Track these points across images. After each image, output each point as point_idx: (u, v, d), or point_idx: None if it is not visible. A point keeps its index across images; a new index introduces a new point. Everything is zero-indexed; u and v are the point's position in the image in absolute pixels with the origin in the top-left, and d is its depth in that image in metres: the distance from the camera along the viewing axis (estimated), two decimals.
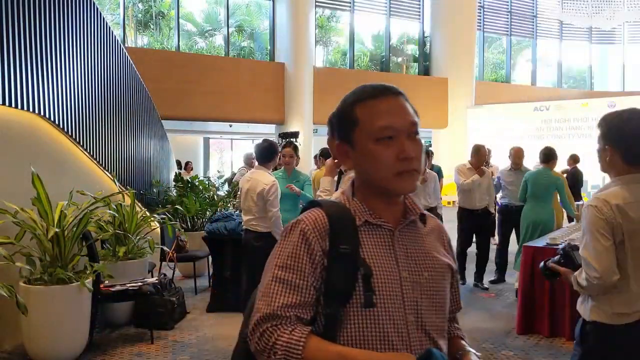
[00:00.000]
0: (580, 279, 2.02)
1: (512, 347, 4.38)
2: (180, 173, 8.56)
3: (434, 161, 9.95)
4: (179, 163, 12.27)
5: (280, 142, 10.79)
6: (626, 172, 2.04)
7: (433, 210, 6.17)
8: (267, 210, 4.40)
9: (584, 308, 2.09)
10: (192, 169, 12.85)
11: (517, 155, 6.44)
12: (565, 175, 8.32)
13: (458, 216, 6.45)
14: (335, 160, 3.44)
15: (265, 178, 4.50)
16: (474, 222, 6.29)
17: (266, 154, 4.70)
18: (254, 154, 10.15)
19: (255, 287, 5.09)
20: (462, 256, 6.33)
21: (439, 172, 8.83)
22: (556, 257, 2.24)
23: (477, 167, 6.21)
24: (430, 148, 10.21)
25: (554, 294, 4.49)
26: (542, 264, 2.30)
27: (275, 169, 5.37)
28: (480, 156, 6.24)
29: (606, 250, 1.95)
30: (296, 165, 5.44)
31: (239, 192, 5.05)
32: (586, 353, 2.09)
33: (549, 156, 6.01)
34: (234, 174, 10.70)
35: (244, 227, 4.75)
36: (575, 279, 2.06)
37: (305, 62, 14.08)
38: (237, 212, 6.65)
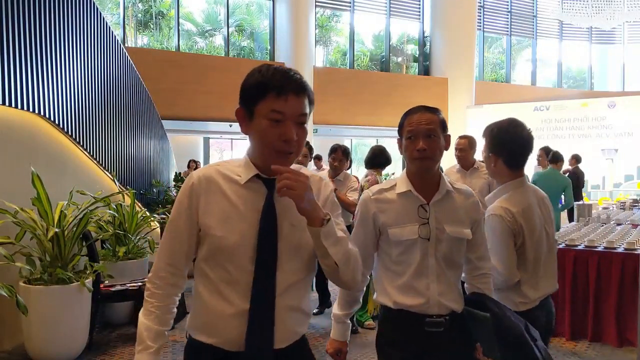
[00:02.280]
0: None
1: None
2: (181, 173, 8.57)
3: None
4: (194, 163, 12.22)
5: None
6: (511, 177, 2.30)
7: None
8: None
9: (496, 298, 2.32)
10: None
11: None
12: (567, 175, 8.33)
13: None
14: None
15: None
16: None
17: None
18: None
19: None
20: None
21: None
22: None
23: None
24: None
25: (554, 294, 4.49)
26: None
27: None
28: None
29: (510, 256, 2.21)
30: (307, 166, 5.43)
31: None
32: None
33: (558, 157, 6.06)
34: None
35: None
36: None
37: (305, 62, 14.07)
38: None
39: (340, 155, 4.91)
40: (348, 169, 5.16)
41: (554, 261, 2.42)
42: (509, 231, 2.18)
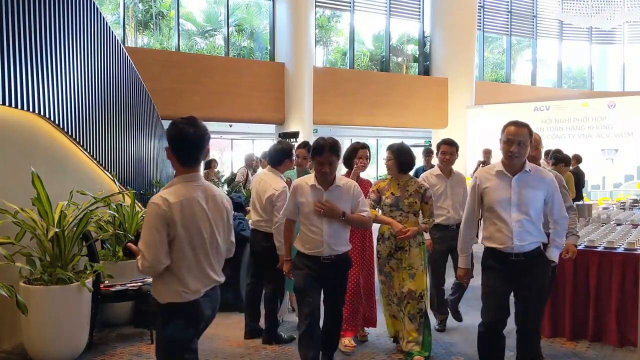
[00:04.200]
0: (138, 263, 2.39)
1: (512, 348, 4.37)
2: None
3: (433, 160, 9.57)
4: (216, 163, 12.19)
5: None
6: (182, 171, 2.48)
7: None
8: (273, 215, 4.29)
9: (155, 291, 2.46)
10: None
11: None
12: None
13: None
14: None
15: (276, 183, 4.38)
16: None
17: (276, 156, 4.55)
18: (254, 155, 10.19)
19: (261, 286, 4.77)
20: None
21: None
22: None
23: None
24: (430, 147, 9.97)
25: (554, 294, 4.49)
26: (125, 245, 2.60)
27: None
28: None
29: (157, 243, 2.34)
30: (310, 167, 5.25)
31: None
32: (169, 331, 2.44)
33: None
34: (233, 174, 10.68)
35: (252, 227, 4.67)
36: (137, 262, 2.40)
37: (305, 62, 14.06)
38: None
39: (330, 155, 3.49)
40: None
41: (222, 258, 2.61)
42: (160, 219, 2.34)
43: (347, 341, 4.31)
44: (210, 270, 2.52)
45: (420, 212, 4.17)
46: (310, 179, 3.63)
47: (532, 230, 3.22)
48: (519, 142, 3.18)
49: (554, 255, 3.35)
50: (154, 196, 2.42)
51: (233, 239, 2.71)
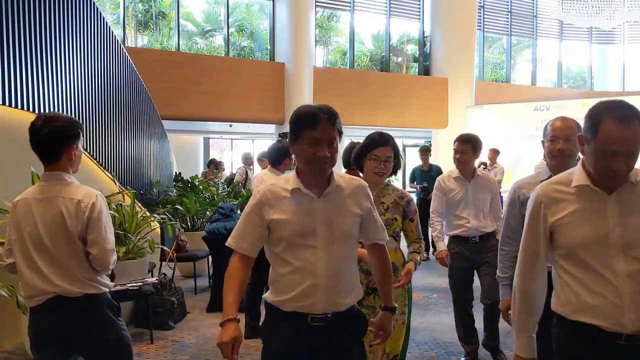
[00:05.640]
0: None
1: (513, 348, 4.38)
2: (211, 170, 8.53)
3: (433, 160, 8.76)
4: (214, 163, 12.16)
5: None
6: (44, 170, 2.37)
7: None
8: None
9: None
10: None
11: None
12: None
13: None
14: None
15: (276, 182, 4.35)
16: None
17: (275, 155, 4.55)
18: (252, 154, 10.20)
19: (262, 285, 4.26)
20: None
21: (437, 173, 7.32)
22: None
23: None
24: (427, 145, 9.61)
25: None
26: None
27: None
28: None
29: (5, 240, 2.31)
30: None
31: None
32: None
33: None
34: (233, 174, 10.70)
35: None
36: None
37: (305, 62, 14.07)
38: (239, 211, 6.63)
39: (330, 129, 2.25)
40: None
41: (63, 265, 2.30)
42: (9, 216, 2.35)
43: None
44: (40, 277, 2.25)
45: (403, 233, 3.04)
46: (288, 181, 2.07)
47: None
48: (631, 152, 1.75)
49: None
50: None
51: (94, 251, 2.28)
